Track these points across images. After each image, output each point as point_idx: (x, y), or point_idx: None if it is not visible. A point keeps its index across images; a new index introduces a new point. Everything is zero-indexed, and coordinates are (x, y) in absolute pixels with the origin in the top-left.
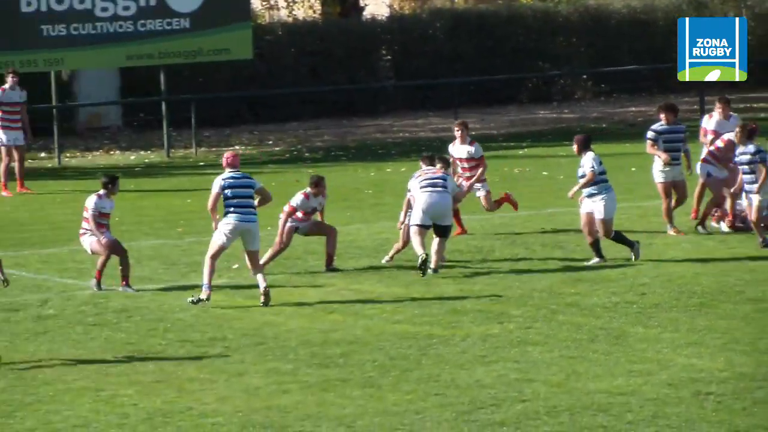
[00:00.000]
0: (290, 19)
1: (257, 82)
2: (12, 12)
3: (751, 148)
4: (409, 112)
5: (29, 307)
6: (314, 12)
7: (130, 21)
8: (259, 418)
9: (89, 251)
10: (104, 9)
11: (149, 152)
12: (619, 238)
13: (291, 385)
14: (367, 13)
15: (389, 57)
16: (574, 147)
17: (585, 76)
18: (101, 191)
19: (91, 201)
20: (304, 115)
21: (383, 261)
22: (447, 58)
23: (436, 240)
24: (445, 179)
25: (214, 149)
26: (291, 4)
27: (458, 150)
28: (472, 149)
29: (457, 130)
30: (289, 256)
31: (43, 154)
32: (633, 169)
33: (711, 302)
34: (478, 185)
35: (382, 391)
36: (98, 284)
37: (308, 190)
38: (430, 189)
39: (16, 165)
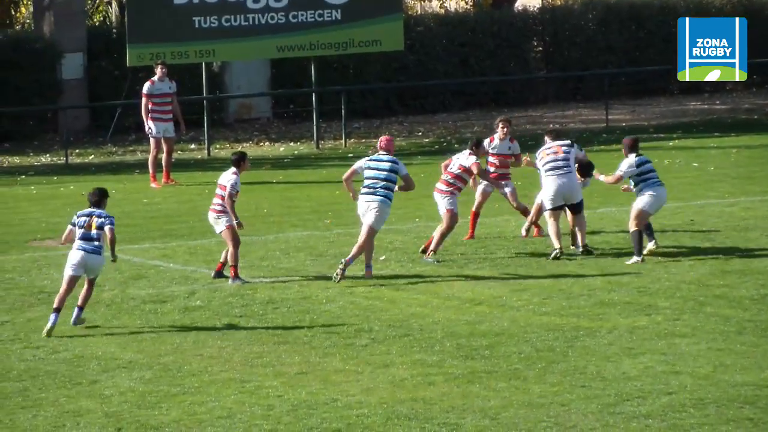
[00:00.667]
0: (441, 11)
1: (407, 73)
2: (165, 4)
3: None
4: (560, 103)
5: (176, 299)
6: (466, 3)
7: (281, 12)
8: (404, 410)
9: (218, 232)
10: (256, 1)
11: (299, 144)
12: (637, 237)
13: (436, 376)
14: (518, 4)
15: (540, 48)
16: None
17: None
18: (233, 169)
19: (229, 178)
20: (453, 106)
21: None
22: (598, 49)
23: (572, 218)
24: (567, 159)
25: (363, 140)
26: None
27: (500, 146)
28: (513, 145)
29: (502, 127)
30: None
31: (192, 146)
32: None
33: None
34: (504, 182)
35: (528, 383)
36: (237, 278)
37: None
38: (554, 172)
39: (164, 156)
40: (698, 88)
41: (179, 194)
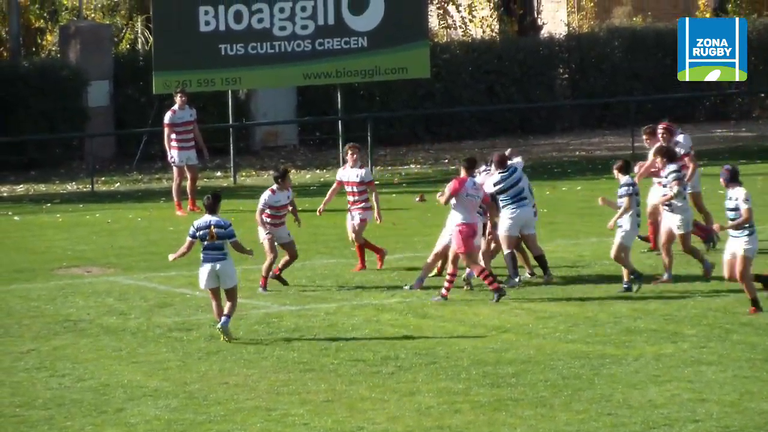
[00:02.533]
0: (467, 38)
1: (433, 100)
2: (191, 31)
3: None
4: (586, 131)
5: (202, 327)
6: (492, 31)
7: (308, 40)
8: None
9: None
10: (282, 28)
11: (325, 171)
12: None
13: (462, 404)
14: (544, 32)
15: (566, 75)
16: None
17: (763, 94)
18: (274, 186)
19: (263, 196)
20: (479, 133)
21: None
22: (624, 76)
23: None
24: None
25: (389, 168)
26: (468, 22)
27: (348, 174)
28: (362, 172)
29: (351, 154)
30: (461, 274)
31: (218, 173)
32: None
33: None
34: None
35: (554, 411)
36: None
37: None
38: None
39: (188, 184)
40: (725, 115)
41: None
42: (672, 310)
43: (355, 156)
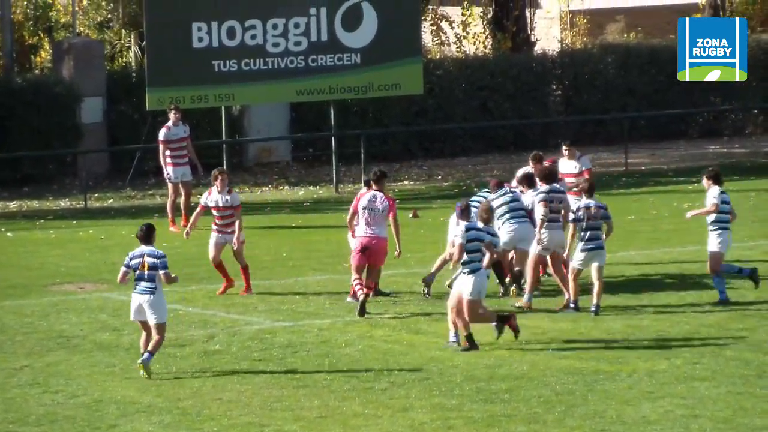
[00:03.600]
0: (461, 55)
1: (426, 117)
2: (185, 47)
3: None
4: (579, 147)
5: (195, 343)
6: (485, 47)
7: (301, 56)
8: None
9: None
10: (275, 45)
11: (318, 187)
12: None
13: (456, 420)
14: (537, 48)
15: (559, 92)
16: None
17: (756, 111)
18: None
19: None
20: (473, 149)
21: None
22: (617, 92)
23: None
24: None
25: None
26: (460, 39)
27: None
28: (229, 198)
29: (221, 180)
30: None
31: None
32: None
33: None
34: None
35: (547, 427)
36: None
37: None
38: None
39: (182, 200)
40: (718, 132)
41: (198, 238)
42: (665, 326)
43: (224, 181)
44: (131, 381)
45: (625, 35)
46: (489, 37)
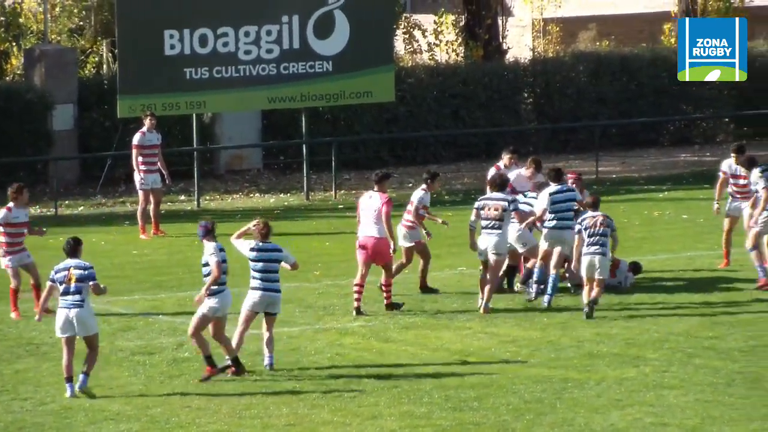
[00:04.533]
0: (432, 63)
1: (398, 124)
2: (156, 55)
3: None
4: (550, 155)
5: (165, 350)
6: (457, 55)
7: (273, 64)
8: None
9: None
10: (247, 52)
11: (289, 195)
12: None
13: (425, 428)
14: (509, 56)
15: (531, 100)
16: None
17: (727, 119)
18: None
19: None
20: (444, 157)
21: None
22: (589, 100)
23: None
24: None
25: (353, 192)
26: (432, 47)
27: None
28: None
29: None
30: (425, 298)
31: (182, 197)
32: None
33: None
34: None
35: None
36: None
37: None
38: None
39: (152, 208)
40: (689, 140)
41: (168, 246)
42: (634, 334)
43: (25, 197)
44: (100, 388)
45: (597, 43)
46: (461, 45)
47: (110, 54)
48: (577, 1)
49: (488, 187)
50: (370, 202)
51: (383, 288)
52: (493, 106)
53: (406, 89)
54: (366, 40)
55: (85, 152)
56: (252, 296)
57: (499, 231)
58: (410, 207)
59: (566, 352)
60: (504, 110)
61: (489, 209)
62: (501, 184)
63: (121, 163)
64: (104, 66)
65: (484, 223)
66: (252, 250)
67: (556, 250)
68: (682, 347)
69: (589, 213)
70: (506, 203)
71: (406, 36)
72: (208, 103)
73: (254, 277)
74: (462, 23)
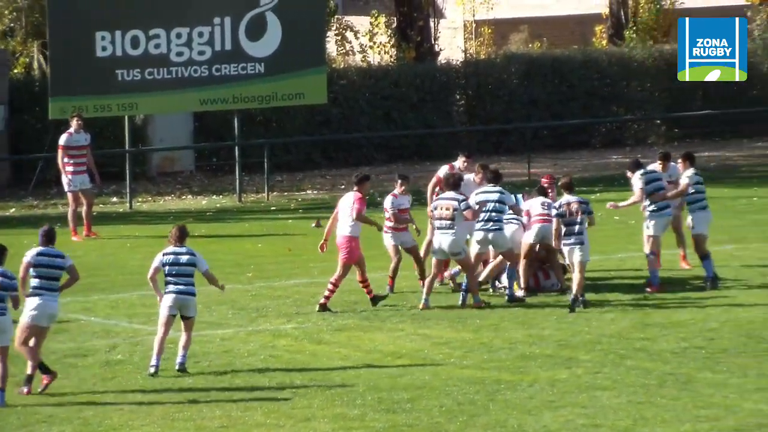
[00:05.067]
0: (364, 64)
1: (331, 126)
2: (88, 56)
3: None
4: (482, 157)
5: (97, 353)
6: (389, 57)
7: (204, 66)
8: None
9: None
10: (179, 54)
11: (221, 197)
12: None
13: (358, 430)
14: (441, 58)
15: (463, 101)
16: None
17: (658, 121)
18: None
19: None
20: (376, 159)
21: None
22: (521, 102)
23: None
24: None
25: (286, 194)
26: (365, 49)
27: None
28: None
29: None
30: (358, 301)
31: (114, 199)
32: None
33: None
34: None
35: None
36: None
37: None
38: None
39: (84, 209)
40: (620, 142)
41: (101, 248)
42: (566, 335)
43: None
44: (32, 396)
45: (529, 45)
46: (393, 46)
47: (41, 56)
48: (509, 3)
49: (443, 187)
50: (347, 201)
51: (362, 284)
52: (425, 107)
53: (338, 91)
54: (298, 41)
55: (16, 154)
56: (165, 300)
57: (453, 230)
58: (386, 215)
59: (499, 353)
60: (436, 112)
61: (441, 209)
62: (454, 183)
63: (53, 165)
64: (35, 67)
65: (437, 223)
66: (165, 254)
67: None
68: (614, 349)
69: (565, 198)
70: (457, 203)
71: (339, 38)
72: (140, 104)
73: (168, 282)
74: (394, 25)
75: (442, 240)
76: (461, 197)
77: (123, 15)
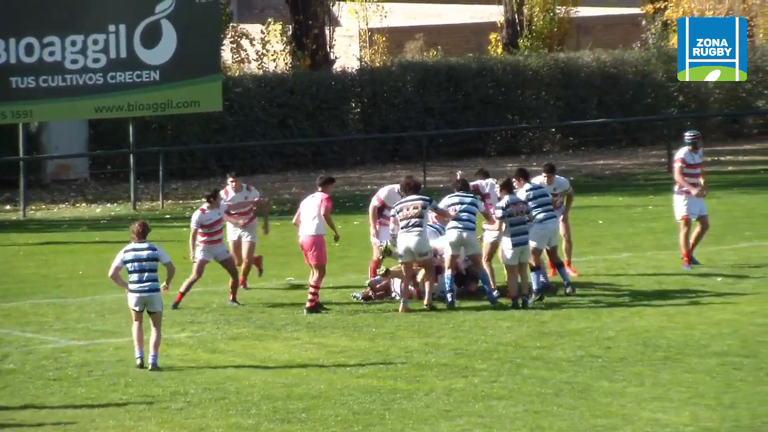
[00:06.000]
0: (260, 72)
1: (226, 134)
2: None
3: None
4: (378, 165)
5: None
6: (285, 65)
7: (99, 73)
8: None
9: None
10: (74, 61)
11: (116, 204)
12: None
13: None
14: (337, 66)
15: (358, 109)
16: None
17: (554, 129)
18: (204, 206)
19: (194, 216)
20: (272, 167)
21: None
22: (416, 110)
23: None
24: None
25: (181, 202)
26: (261, 56)
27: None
28: None
29: None
30: (253, 309)
31: (8, 207)
32: (600, 222)
33: (676, 356)
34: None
35: None
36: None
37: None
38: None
39: None
40: (515, 150)
41: None
42: (463, 344)
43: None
44: None
45: (424, 53)
46: (289, 54)
47: None
48: (404, 12)
49: (402, 193)
50: (312, 201)
51: (311, 288)
52: (321, 115)
53: (233, 99)
54: (193, 49)
55: None
56: (130, 299)
57: (420, 229)
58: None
59: (395, 362)
60: (331, 120)
61: (408, 209)
62: (415, 186)
63: None
64: None
65: (402, 223)
66: (127, 251)
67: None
68: (510, 357)
69: (511, 198)
70: (424, 201)
71: (234, 45)
72: (35, 112)
73: (131, 280)
74: (290, 33)
75: (409, 240)
76: (428, 198)
77: (17, 22)
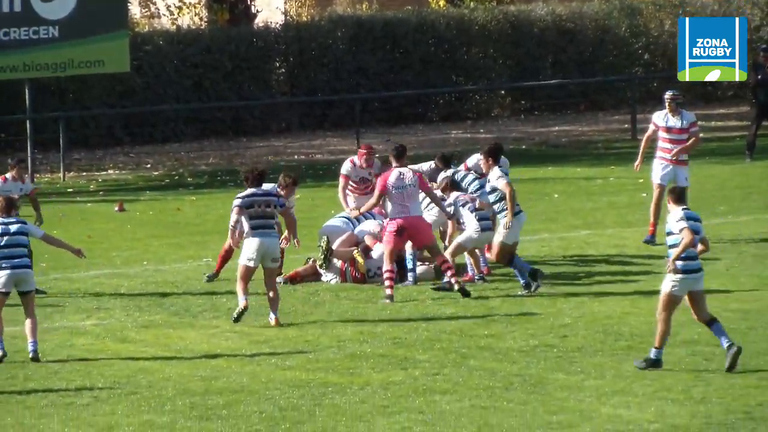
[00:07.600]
0: (172, 28)
1: (134, 98)
2: None
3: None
4: (305, 132)
5: None
6: (200, 20)
7: None
8: None
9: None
10: None
11: None
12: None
13: None
14: (259, 21)
15: (283, 70)
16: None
17: (503, 92)
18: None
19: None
20: (186, 135)
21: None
22: (348, 71)
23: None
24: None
25: (84, 174)
26: (174, 11)
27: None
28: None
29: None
30: (170, 295)
31: None
32: (556, 195)
33: (640, 345)
34: None
35: None
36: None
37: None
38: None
39: None
40: (460, 115)
41: None
42: (402, 332)
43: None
44: None
45: (357, 6)
46: (204, 7)
47: None
48: None
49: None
50: (403, 180)
51: (445, 265)
52: (241, 76)
53: (142, 58)
54: (97, 2)
55: None
56: None
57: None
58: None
59: (326, 353)
60: (253, 81)
61: (255, 207)
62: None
63: None
64: None
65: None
66: None
67: None
68: (455, 347)
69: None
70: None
71: None
72: None
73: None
74: None
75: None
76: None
77: None
